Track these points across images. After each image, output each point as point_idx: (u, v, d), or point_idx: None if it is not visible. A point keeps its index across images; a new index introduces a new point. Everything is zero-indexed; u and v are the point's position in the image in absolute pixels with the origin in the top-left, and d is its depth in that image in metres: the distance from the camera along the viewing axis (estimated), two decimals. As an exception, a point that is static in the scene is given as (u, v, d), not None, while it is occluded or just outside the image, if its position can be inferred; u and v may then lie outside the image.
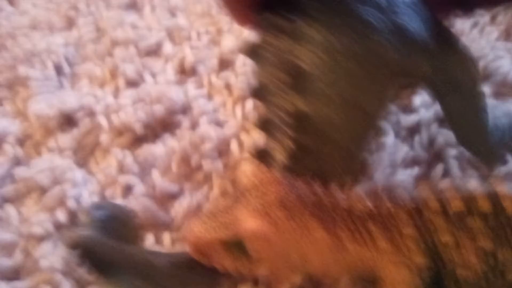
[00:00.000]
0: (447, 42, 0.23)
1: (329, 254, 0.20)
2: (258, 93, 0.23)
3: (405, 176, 0.28)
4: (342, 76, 0.21)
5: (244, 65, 0.35)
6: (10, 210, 0.29)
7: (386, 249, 0.20)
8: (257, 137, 0.31)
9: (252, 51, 0.23)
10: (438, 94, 0.24)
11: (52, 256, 0.26)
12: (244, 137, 0.31)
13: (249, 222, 0.20)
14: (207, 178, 0.30)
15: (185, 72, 0.36)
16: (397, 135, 0.30)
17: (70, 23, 0.40)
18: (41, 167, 0.30)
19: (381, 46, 0.21)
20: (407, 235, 0.20)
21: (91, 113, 0.33)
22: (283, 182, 0.21)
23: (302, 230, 0.20)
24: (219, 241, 0.20)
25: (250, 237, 0.20)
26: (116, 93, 0.35)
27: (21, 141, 0.33)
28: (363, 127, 0.23)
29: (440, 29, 0.23)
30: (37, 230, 0.28)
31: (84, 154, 0.32)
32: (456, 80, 0.24)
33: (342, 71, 0.21)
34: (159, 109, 0.33)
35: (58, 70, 0.37)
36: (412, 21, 0.22)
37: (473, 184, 0.27)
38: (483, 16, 0.37)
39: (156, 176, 0.30)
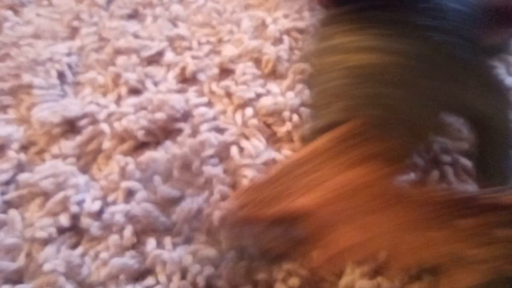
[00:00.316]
0: (483, 77, 0.24)
1: (397, 234, 0.20)
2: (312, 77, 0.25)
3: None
4: (410, 72, 0.23)
5: (243, 74, 0.35)
6: (15, 215, 0.30)
7: (439, 239, 0.20)
8: (256, 144, 0.31)
9: (321, 36, 0.25)
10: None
11: (55, 259, 0.27)
12: (244, 143, 0.32)
13: (301, 199, 0.18)
14: (208, 184, 0.30)
15: (186, 80, 0.36)
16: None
17: (73, 33, 0.41)
18: (44, 173, 0.31)
19: (445, 45, 0.23)
20: (461, 226, 0.19)
21: (94, 121, 0.34)
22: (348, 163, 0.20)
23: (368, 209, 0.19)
24: (262, 217, 0.18)
25: (302, 214, 0.18)
26: (118, 101, 0.35)
27: (25, 148, 0.33)
28: (427, 116, 0.23)
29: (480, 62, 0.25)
30: (41, 234, 0.28)
31: (87, 161, 0.32)
32: (487, 117, 0.24)
33: (409, 69, 0.23)
34: (160, 117, 0.33)
35: (62, 78, 0.37)
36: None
37: (468, 189, 0.28)
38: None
39: (157, 181, 0.30)
